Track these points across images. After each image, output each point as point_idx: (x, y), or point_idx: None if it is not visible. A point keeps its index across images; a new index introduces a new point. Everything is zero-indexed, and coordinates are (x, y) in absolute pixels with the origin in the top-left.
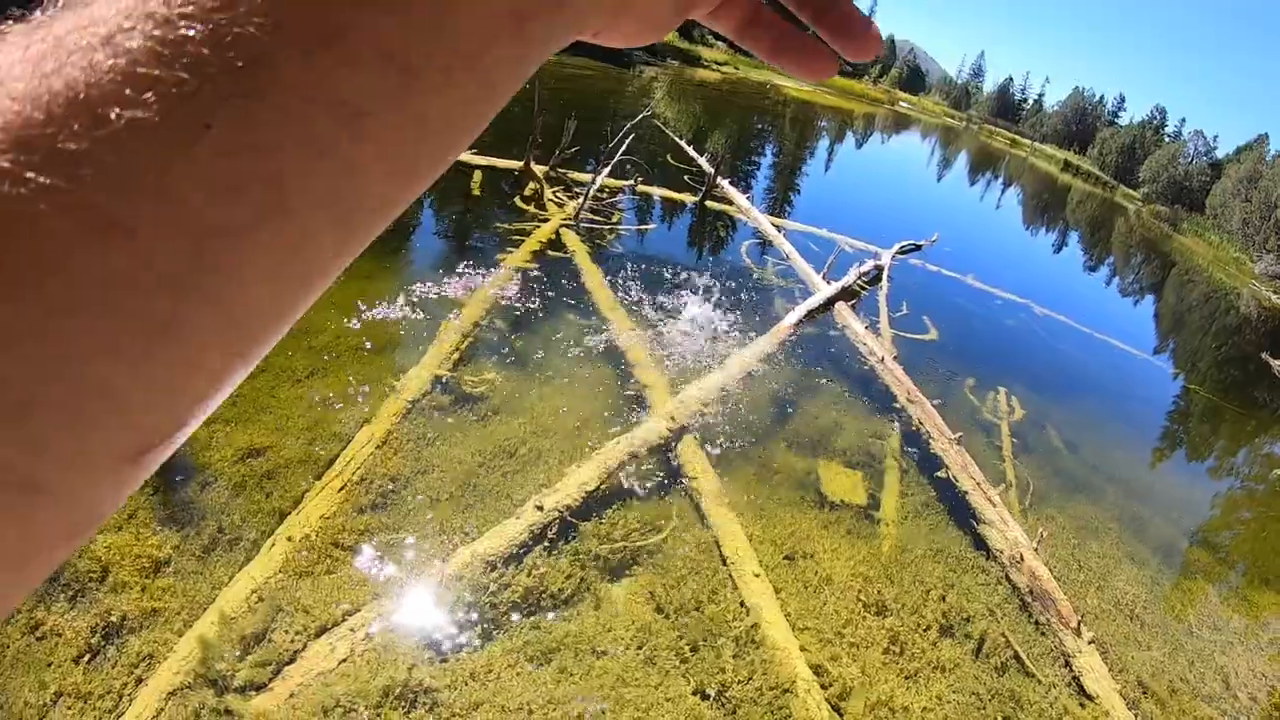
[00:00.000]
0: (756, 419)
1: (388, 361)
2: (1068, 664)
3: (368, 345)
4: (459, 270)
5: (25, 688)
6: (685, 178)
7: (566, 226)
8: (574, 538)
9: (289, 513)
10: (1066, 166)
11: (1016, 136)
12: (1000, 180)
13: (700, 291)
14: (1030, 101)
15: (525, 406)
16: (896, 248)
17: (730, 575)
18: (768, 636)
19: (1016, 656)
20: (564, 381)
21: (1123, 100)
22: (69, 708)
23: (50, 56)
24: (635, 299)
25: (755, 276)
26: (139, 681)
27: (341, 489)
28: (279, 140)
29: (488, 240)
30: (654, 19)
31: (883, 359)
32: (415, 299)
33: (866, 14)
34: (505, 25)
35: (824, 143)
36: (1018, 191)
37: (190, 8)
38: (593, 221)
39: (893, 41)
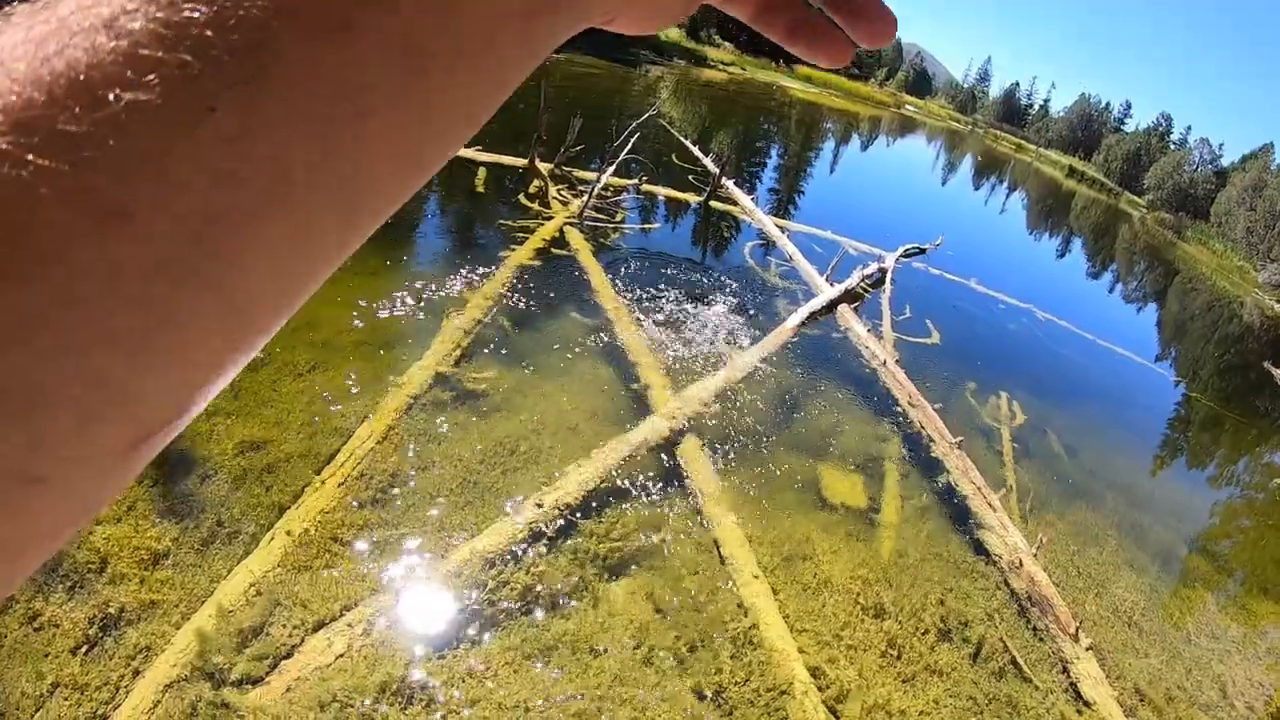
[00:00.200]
0: (758, 420)
1: (390, 357)
2: (1065, 670)
3: (370, 341)
4: (462, 267)
5: (22, 678)
6: (690, 177)
7: (570, 224)
8: (573, 536)
9: (288, 507)
10: (1071, 172)
11: (1022, 141)
12: (1005, 185)
13: (703, 291)
14: (1036, 107)
15: (526, 404)
16: (900, 250)
17: (729, 576)
18: (766, 638)
19: (1014, 662)
20: (565, 379)
21: (1129, 107)
22: (66, 698)
23: (53, 38)
24: (638, 298)
25: (759, 278)
26: (136, 673)
27: (341, 484)
28: (283, 125)
29: (491, 237)
30: (666, 4)
31: (885, 362)
32: (418, 295)
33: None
34: (514, 14)
35: (829, 144)
36: (1022, 196)
37: None
38: (596, 220)
39: (900, 44)
